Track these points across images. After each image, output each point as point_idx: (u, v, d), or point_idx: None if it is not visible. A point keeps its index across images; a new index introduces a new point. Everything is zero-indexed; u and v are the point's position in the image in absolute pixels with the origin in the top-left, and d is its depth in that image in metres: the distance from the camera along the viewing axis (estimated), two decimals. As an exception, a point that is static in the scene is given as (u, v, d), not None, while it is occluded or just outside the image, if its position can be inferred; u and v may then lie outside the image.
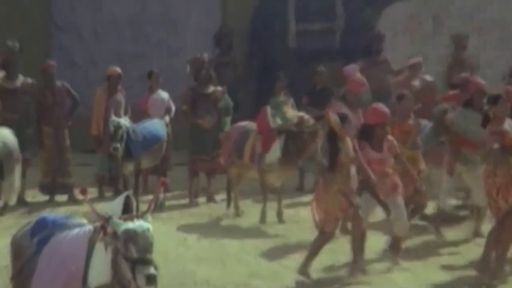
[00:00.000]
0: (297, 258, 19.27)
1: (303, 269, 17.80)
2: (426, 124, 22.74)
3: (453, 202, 23.56)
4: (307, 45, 30.59)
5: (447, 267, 18.34)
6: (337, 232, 19.10)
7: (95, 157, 24.50)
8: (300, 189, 24.69)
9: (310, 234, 20.69)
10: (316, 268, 18.39)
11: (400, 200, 19.23)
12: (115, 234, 11.69)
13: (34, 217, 14.27)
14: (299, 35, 31.24)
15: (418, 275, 17.54)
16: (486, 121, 18.62)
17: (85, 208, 15.43)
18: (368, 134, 19.03)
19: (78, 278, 12.11)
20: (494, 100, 18.77)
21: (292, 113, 23.47)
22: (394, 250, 19.38)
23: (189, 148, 25.82)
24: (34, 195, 24.04)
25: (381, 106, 19.68)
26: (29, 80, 25.53)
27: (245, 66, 29.27)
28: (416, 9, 33.21)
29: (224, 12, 32.09)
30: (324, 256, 18.69)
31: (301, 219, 22.49)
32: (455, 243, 20.48)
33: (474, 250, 19.07)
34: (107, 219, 11.85)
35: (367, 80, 24.64)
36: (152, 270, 11.43)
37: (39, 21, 32.28)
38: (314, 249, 18.13)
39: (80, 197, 19.89)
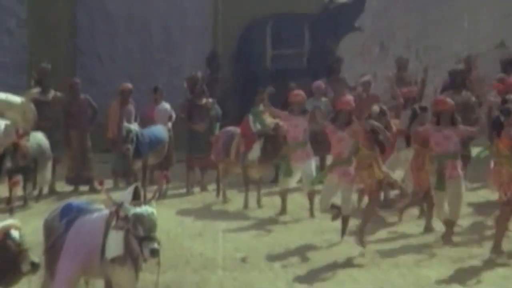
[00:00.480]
0: (273, 235, 19.58)
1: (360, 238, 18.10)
2: None
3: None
4: (281, 66, 30.56)
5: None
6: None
7: (111, 156, 24.50)
8: (275, 181, 24.53)
9: (283, 217, 20.83)
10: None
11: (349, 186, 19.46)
12: (126, 217, 11.94)
13: (62, 204, 14.17)
14: (274, 58, 31.22)
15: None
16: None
17: (102, 196, 15.30)
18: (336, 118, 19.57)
19: (97, 252, 12.25)
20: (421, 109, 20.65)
21: (269, 120, 23.53)
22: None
23: (186, 148, 26.00)
24: (62, 186, 24.06)
25: (348, 98, 20.84)
26: (59, 94, 25.56)
27: (231, 82, 29.29)
28: (367, 37, 33.23)
29: (214, 39, 31.97)
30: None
31: (275, 204, 22.65)
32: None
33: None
34: (120, 205, 12.08)
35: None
36: (156, 245, 11.73)
37: (66, 47, 32.18)
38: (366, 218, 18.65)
39: (98, 187, 19.95)
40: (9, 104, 6.05)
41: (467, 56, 29.74)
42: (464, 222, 20.08)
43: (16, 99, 6.15)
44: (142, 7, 32.66)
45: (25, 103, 6.19)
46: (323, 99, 26.69)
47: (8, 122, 6.03)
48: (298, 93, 23.04)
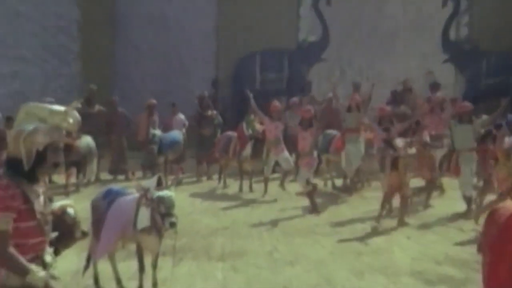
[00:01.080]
0: (260, 211, 19.87)
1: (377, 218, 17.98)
2: (332, 132, 23.41)
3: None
4: (266, 87, 30.62)
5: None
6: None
7: (140, 153, 24.50)
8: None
9: (268, 198, 20.97)
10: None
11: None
12: (152, 198, 12.27)
13: (104, 188, 14.26)
14: (261, 81, 31.29)
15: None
16: None
17: (134, 183, 15.45)
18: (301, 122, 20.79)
19: (131, 224, 12.54)
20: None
21: (258, 126, 23.73)
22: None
23: (196, 147, 25.97)
24: (104, 176, 24.15)
25: (308, 108, 21.68)
26: (102, 108, 25.64)
27: (230, 99, 29.32)
28: (330, 66, 33.22)
29: (217, 67, 32.03)
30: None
31: (262, 189, 22.84)
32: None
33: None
34: (147, 190, 12.35)
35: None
36: (173, 219, 12.01)
37: (108, 73, 32.17)
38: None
39: (131, 177, 19.80)
40: (51, 112, 6.03)
41: (404, 80, 29.75)
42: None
43: (60, 108, 6.17)
44: (163, 43, 32.72)
45: (68, 110, 6.18)
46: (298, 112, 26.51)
47: (51, 126, 6.00)
48: (276, 105, 23.64)
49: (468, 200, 19.40)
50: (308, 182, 20.10)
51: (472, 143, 19.85)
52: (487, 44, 31.32)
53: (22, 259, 6.39)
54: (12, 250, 6.28)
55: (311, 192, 20.16)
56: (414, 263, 14.60)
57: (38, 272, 6.57)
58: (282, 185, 23.99)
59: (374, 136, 22.16)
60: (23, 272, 6.56)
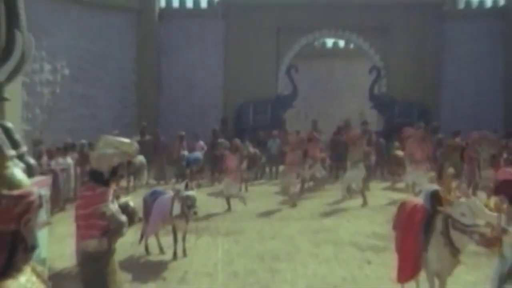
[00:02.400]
0: (254, 205, 19.23)
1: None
2: None
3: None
4: (257, 124, 30.36)
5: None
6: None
7: (174, 167, 24.24)
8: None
9: (259, 196, 20.75)
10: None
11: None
12: (182, 196, 12.43)
13: (151, 190, 14.27)
14: (253, 120, 31.06)
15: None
16: None
17: (170, 186, 15.46)
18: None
19: (168, 213, 12.74)
20: None
21: (251, 149, 23.69)
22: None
23: (211, 163, 25.47)
24: (151, 181, 23.87)
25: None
26: (150, 137, 25.55)
27: (233, 131, 29.00)
28: (298, 110, 33.13)
29: (225, 110, 31.96)
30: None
31: (255, 190, 22.41)
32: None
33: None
34: (179, 191, 12.52)
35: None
36: (196, 210, 12.39)
37: (154, 114, 32.10)
38: None
39: (168, 182, 19.62)
40: (121, 143, 6.17)
41: (346, 119, 29.65)
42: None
43: (126, 140, 6.29)
44: (190, 95, 32.69)
45: (131, 142, 6.29)
46: (277, 140, 26.44)
47: (120, 151, 6.14)
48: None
49: (362, 194, 19.63)
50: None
51: None
52: (398, 96, 31.34)
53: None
54: None
55: (287, 189, 20.11)
56: (352, 237, 14.64)
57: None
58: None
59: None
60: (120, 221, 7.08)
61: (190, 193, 12.81)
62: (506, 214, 7.37)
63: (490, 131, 25.89)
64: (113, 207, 7.33)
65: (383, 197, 20.60)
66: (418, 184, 19.35)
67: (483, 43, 32.74)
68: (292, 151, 20.49)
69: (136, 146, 7.85)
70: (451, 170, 13.30)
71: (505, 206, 7.45)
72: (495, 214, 7.64)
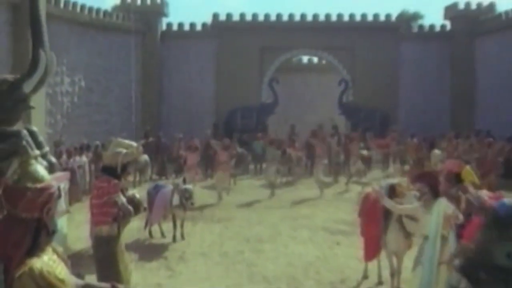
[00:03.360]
0: (243, 196, 19.37)
1: None
2: None
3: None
4: (244, 127, 30.35)
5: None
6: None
7: (174, 165, 24.07)
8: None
9: (246, 190, 20.70)
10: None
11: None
12: (181, 190, 12.38)
13: (154, 183, 14.24)
14: (241, 124, 31.02)
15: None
16: None
17: (170, 181, 15.41)
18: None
19: (168, 203, 12.78)
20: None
21: (239, 149, 23.64)
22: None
23: (205, 161, 24.90)
24: (153, 177, 23.75)
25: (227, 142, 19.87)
26: (152, 139, 25.39)
27: (223, 134, 28.67)
28: (279, 116, 33.08)
29: (217, 116, 31.89)
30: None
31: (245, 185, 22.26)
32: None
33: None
34: (178, 184, 12.57)
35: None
36: (193, 201, 12.52)
37: (156, 120, 32.07)
38: None
39: (169, 178, 19.53)
40: (129, 145, 6.18)
41: (319, 124, 29.65)
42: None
43: (133, 143, 6.32)
44: (187, 103, 32.66)
45: (137, 145, 6.31)
46: (261, 141, 26.26)
47: (128, 152, 6.15)
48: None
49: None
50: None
51: None
52: (362, 104, 31.45)
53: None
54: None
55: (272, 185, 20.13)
56: (324, 223, 14.70)
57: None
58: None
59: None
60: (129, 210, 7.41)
61: (188, 186, 12.89)
62: (423, 201, 7.50)
63: (438, 134, 26.30)
64: (123, 198, 7.43)
65: (350, 189, 20.66)
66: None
67: (433, 60, 33.04)
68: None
69: (140, 147, 7.97)
70: (407, 167, 13.41)
71: (421, 192, 7.62)
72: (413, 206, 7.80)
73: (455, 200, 7.73)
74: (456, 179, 8.33)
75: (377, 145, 25.43)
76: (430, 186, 7.47)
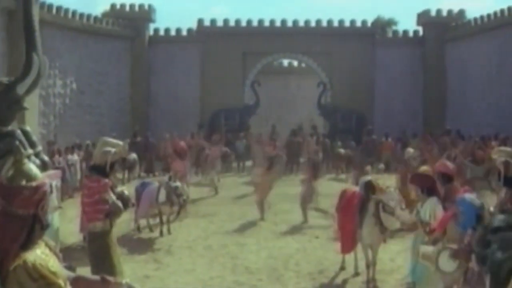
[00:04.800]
0: (226, 193, 19.33)
1: None
2: None
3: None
4: (227, 127, 30.15)
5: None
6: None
7: (161, 163, 23.95)
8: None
9: (228, 188, 20.61)
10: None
11: None
12: (171, 187, 12.31)
13: (141, 181, 14.24)
14: (225, 124, 30.81)
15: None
16: None
17: (157, 179, 15.43)
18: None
19: (155, 199, 12.59)
20: None
21: (223, 148, 23.53)
22: None
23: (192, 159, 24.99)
24: (142, 174, 23.65)
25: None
26: (141, 139, 25.37)
27: (207, 133, 28.60)
28: (260, 117, 33.10)
29: (201, 116, 31.74)
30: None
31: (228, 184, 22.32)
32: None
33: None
34: (166, 182, 12.43)
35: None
36: (185, 197, 12.56)
37: (145, 121, 31.94)
38: None
39: (156, 175, 19.42)
40: (117, 144, 6.18)
41: (299, 124, 29.79)
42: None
43: (120, 142, 6.33)
44: (174, 105, 32.51)
45: (123, 144, 6.33)
46: (244, 140, 26.34)
47: (116, 151, 6.14)
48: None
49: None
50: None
51: None
52: (340, 106, 31.50)
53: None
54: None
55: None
56: (308, 222, 14.76)
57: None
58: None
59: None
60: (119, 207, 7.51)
61: (178, 184, 12.89)
62: (421, 201, 7.58)
63: (411, 134, 26.58)
64: (112, 195, 7.47)
65: (327, 186, 20.61)
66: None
67: (407, 64, 33.14)
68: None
69: (126, 147, 8.06)
70: (382, 166, 13.50)
71: (417, 194, 7.71)
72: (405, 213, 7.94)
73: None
74: (446, 179, 8.35)
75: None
76: (422, 187, 7.54)
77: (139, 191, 13.21)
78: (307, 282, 9.53)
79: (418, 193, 7.62)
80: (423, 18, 33.23)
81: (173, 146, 20.53)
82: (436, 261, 5.56)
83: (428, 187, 7.51)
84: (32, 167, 3.34)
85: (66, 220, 12.50)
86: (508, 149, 8.29)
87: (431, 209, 7.25)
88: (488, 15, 29.00)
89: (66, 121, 27.83)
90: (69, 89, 28.29)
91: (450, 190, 7.86)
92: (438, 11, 32.91)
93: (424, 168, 9.85)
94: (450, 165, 8.95)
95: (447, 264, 5.41)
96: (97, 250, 7.36)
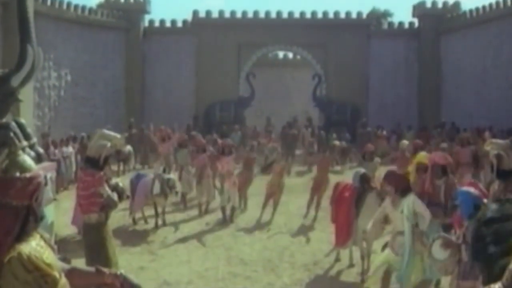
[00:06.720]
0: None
1: None
2: None
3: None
4: (223, 120, 30.09)
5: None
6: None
7: (155, 155, 23.88)
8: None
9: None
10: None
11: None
12: (164, 179, 12.18)
13: (136, 172, 14.22)
14: (220, 117, 30.77)
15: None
16: None
17: (152, 170, 15.38)
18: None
19: (149, 191, 12.63)
20: None
21: (219, 141, 23.42)
22: None
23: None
24: (137, 166, 23.61)
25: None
26: (136, 131, 25.33)
27: (202, 126, 28.72)
28: (256, 108, 33.07)
29: (196, 109, 31.66)
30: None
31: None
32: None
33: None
34: (159, 174, 12.36)
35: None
36: (178, 189, 12.82)
37: (139, 113, 31.85)
38: None
39: (150, 167, 19.42)
40: (114, 137, 6.20)
41: (294, 116, 29.82)
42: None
43: (116, 134, 6.33)
44: (169, 97, 32.52)
45: (120, 137, 6.36)
46: (239, 132, 26.31)
47: (111, 144, 6.18)
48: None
49: None
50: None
51: None
52: (335, 98, 31.50)
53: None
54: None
55: None
56: (298, 210, 14.74)
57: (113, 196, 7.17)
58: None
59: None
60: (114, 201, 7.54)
61: (170, 176, 12.95)
62: (391, 200, 7.56)
63: (405, 126, 26.68)
64: (107, 188, 7.50)
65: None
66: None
67: (402, 56, 33.17)
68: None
69: (122, 140, 8.05)
70: (377, 159, 13.53)
71: (390, 193, 7.67)
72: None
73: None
74: (442, 171, 8.37)
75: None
76: (395, 186, 7.55)
77: (134, 183, 13.24)
78: (302, 274, 9.57)
79: (392, 192, 7.56)
80: (419, 10, 33.22)
81: (158, 133, 20.82)
82: (429, 249, 5.85)
83: (402, 188, 7.51)
84: (27, 158, 3.35)
85: (61, 212, 12.49)
86: (500, 141, 8.28)
87: (410, 206, 7.27)
88: (484, 7, 29.06)
89: (61, 113, 27.80)
90: (63, 81, 28.25)
91: (449, 185, 8.00)
92: (434, 3, 32.92)
93: (422, 154, 9.95)
94: (449, 157, 9.00)
95: (439, 252, 5.69)
96: (92, 242, 7.39)
